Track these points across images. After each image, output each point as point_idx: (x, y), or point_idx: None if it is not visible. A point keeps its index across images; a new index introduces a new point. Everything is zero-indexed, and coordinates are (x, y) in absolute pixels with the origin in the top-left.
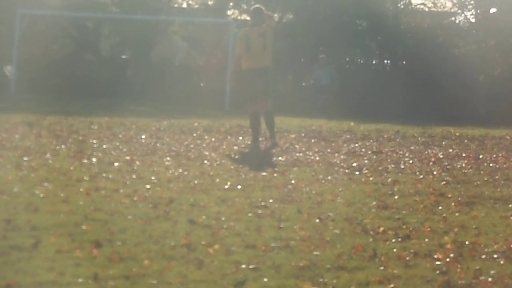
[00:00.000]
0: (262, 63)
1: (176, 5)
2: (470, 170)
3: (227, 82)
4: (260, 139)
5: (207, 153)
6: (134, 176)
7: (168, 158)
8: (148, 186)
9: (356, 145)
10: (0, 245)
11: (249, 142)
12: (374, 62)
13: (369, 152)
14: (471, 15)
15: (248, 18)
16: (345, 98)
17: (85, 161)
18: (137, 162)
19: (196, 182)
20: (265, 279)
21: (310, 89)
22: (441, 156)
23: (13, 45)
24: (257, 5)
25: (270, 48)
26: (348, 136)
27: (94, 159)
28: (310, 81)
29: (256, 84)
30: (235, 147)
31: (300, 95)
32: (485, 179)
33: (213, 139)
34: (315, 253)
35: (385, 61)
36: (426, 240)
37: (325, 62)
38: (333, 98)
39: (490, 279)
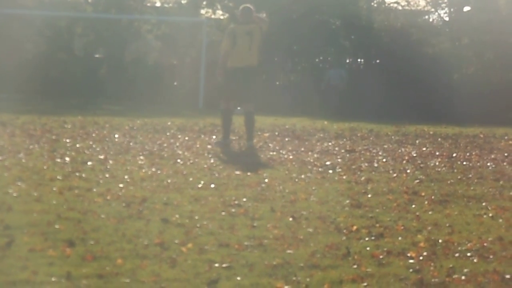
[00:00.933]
0: (246, 62)
1: (149, 4)
2: (444, 168)
3: (201, 81)
4: (234, 138)
5: (180, 152)
6: (107, 175)
7: (142, 157)
8: (121, 185)
9: (330, 143)
10: None
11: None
12: (348, 61)
13: (343, 150)
14: (444, 13)
15: (221, 18)
16: (319, 97)
17: (59, 160)
18: (111, 161)
19: (169, 181)
20: (239, 278)
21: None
22: (415, 155)
23: None
24: (247, 5)
25: (257, 48)
26: (321, 135)
27: (67, 158)
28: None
29: (237, 83)
30: (209, 146)
31: (274, 94)
32: (459, 177)
33: (186, 138)
34: (289, 251)
35: (359, 60)
36: (400, 238)
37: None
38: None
39: (463, 277)
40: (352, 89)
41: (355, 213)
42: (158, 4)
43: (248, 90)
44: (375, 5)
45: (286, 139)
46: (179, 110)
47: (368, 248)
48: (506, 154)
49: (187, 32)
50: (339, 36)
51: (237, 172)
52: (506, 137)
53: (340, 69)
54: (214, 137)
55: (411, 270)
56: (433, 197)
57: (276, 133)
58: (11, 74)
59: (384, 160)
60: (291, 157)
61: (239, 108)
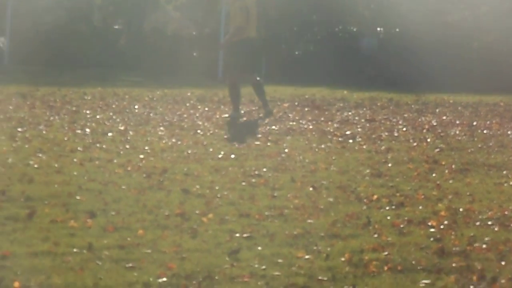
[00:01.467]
0: (255, 32)
1: None
2: (464, 137)
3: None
4: (254, 108)
5: (200, 122)
6: (127, 146)
7: (162, 128)
8: (141, 156)
9: (350, 113)
10: None
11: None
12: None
13: (363, 120)
14: None
15: None
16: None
17: (79, 131)
18: (131, 132)
19: (189, 151)
20: (259, 248)
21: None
22: (435, 124)
23: (6, 17)
24: None
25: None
26: (341, 104)
27: (87, 130)
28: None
29: (252, 54)
30: (226, 115)
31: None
32: (479, 146)
33: (206, 109)
34: (309, 221)
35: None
36: (420, 207)
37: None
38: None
39: (484, 246)
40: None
41: (376, 183)
42: None
43: (253, 60)
44: None
45: (306, 109)
46: (198, 80)
47: (388, 217)
48: None
49: (205, 2)
50: (358, 5)
51: (257, 143)
52: None
53: (372, 38)
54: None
55: (431, 239)
56: (453, 166)
57: (296, 103)
58: (30, 46)
59: (404, 129)
60: (311, 127)
61: (258, 78)
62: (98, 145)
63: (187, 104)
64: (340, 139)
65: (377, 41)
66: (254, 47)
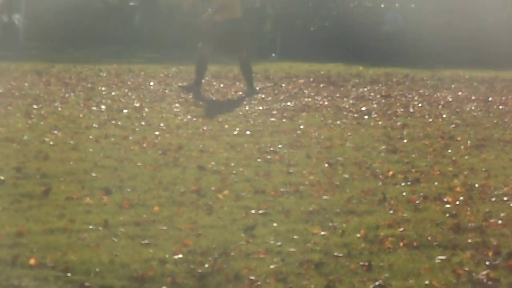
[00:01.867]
0: (241, 12)
1: None
2: (480, 113)
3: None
4: (268, 84)
5: (215, 99)
6: (143, 123)
7: (177, 105)
8: (157, 133)
9: (365, 89)
10: (11, 193)
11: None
12: (397, 5)
13: (378, 96)
14: None
15: None
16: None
17: (94, 108)
18: (146, 109)
19: (205, 128)
20: (275, 224)
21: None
22: (450, 99)
23: None
24: None
25: None
26: (356, 80)
27: (103, 106)
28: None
29: (230, 35)
30: (240, 93)
31: (308, 40)
32: (495, 121)
33: (221, 85)
34: (325, 197)
35: (396, 4)
36: (436, 183)
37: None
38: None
39: (499, 222)
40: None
41: (391, 159)
42: None
43: (239, 40)
44: None
45: (321, 85)
46: (214, 57)
47: (404, 193)
48: None
49: None
50: None
51: (272, 119)
52: None
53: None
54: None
55: (447, 214)
56: (469, 142)
57: (311, 79)
58: (45, 23)
59: (419, 105)
60: (326, 103)
61: (273, 54)
62: (113, 122)
63: (202, 81)
64: (355, 115)
65: (401, 16)
66: (241, 28)
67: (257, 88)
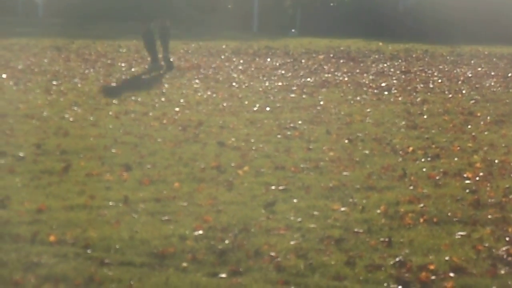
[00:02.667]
0: None
1: None
2: (499, 88)
3: (255, 3)
4: (288, 60)
5: (235, 75)
6: (163, 99)
7: (197, 81)
8: (177, 109)
9: (385, 65)
10: (31, 169)
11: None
12: None
13: (398, 72)
14: None
15: None
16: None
17: (114, 84)
18: (166, 85)
19: (225, 104)
20: (295, 200)
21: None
22: (470, 75)
23: None
24: None
25: None
26: (376, 56)
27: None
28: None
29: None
30: (263, 69)
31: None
32: None
33: (241, 61)
34: (345, 173)
35: None
36: (456, 159)
37: None
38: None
39: None
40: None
41: (411, 134)
42: None
43: (162, 5)
44: None
45: (341, 61)
46: (233, 33)
47: (424, 169)
48: None
49: None
50: None
51: (292, 95)
52: None
53: None
54: (268, 60)
55: (467, 190)
56: (488, 118)
57: (331, 55)
58: None
59: (439, 81)
60: (346, 79)
61: (293, 30)
62: (133, 98)
63: (222, 57)
64: (375, 91)
65: None
66: None
67: (277, 64)
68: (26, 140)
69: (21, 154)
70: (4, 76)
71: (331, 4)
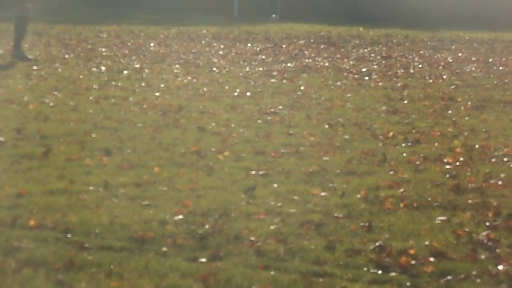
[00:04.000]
0: None
1: None
2: (480, 74)
3: None
4: (269, 45)
5: (216, 60)
6: (143, 84)
7: (177, 66)
8: (157, 94)
9: (365, 50)
10: (11, 154)
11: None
12: None
13: (378, 57)
14: None
15: None
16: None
17: (94, 69)
18: (146, 70)
19: (205, 89)
20: (275, 185)
21: None
22: (451, 60)
23: None
24: None
25: None
26: (357, 42)
27: (103, 68)
28: None
29: None
30: (244, 54)
31: (309, 1)
32: (495, 82)
33: (221, 46)
34: (325, 158)
35: None
36: (436, 144)
37: None
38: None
39: (500, 182)
40: None
41: (391, 119)
42: None
43: None
44: None
45: (322, 46)
46: (214, 18)
47: (404, 154)
48: None
49: None
50: None
51: (273, 80)
52: None
53: None
54: (249, 45)
55: (447, 175)
56: (469, 103)
57: (312, 40)
58: None
59: (420, 66)
60: (326, 64)
61: (274, 15)
62: (113, 83)
63: (203, 42)
64: (356, 76)
65: None
66: None
67: (258, 49)
68: (6, 125)
69: (1, 139)
70: None
71: None
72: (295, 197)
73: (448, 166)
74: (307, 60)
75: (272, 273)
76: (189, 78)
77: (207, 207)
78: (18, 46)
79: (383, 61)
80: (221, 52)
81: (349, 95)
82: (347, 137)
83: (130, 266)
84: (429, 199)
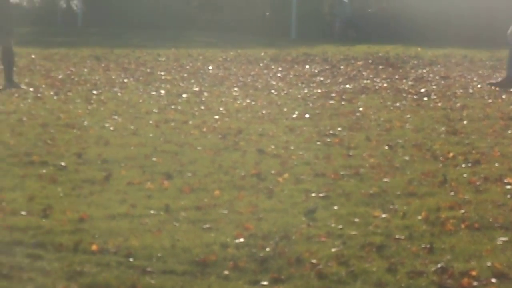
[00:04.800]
0: None
1: None
2: None
3: (293, 10)
4: (327, 67)
5: (274, 82)
6: (202, 107)
7: (236, 89)
8: (216, 117)
9: (424, 70)
10: (72, 178)
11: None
12: None
13: (437, 77)
14: None
15: None
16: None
17: (154, 93)
18: (205, 93)
19: (264, 111)
20: (335, 207)
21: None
22: None
23: None
24: None
25: None
26: (415, 62)
27: (162, 91)
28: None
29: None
30: (302, 76)
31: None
32: None
33: (280, 68)
34: (385, 180)
35: None
36: (496, 164)
37: None
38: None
39: None
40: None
41: (451, 140)
42: None
43: (4, 19)
44: None
45: (380, 67)
46: (271, 40)
47: (465, 175)
48: None
49: None
50: None
51: (331, 102)
52: None
53: None
54: (307, 66)
55: (508, 196)
56: None
57: (370, 61)
58: (104, 7)
59: (479, 86)
60: (385, 85)
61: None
62: (173, 106)
63: (261, 64)
64: (414, 96)
65: None
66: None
67: (315, 70)
68: (67, 150)
69: (62, 164)
70: (44, 86)
71: (369, 10)
72: (356, 219)
73: (509, 187)
74: (365, 81)
75: None
76: (247, 100)
77: (267, 230)
78: (10, 78)
79: (442, 81)
80: (279, 74)
81: (408, 116)
82: (407, 158)
83: None
84: (491, 220)
